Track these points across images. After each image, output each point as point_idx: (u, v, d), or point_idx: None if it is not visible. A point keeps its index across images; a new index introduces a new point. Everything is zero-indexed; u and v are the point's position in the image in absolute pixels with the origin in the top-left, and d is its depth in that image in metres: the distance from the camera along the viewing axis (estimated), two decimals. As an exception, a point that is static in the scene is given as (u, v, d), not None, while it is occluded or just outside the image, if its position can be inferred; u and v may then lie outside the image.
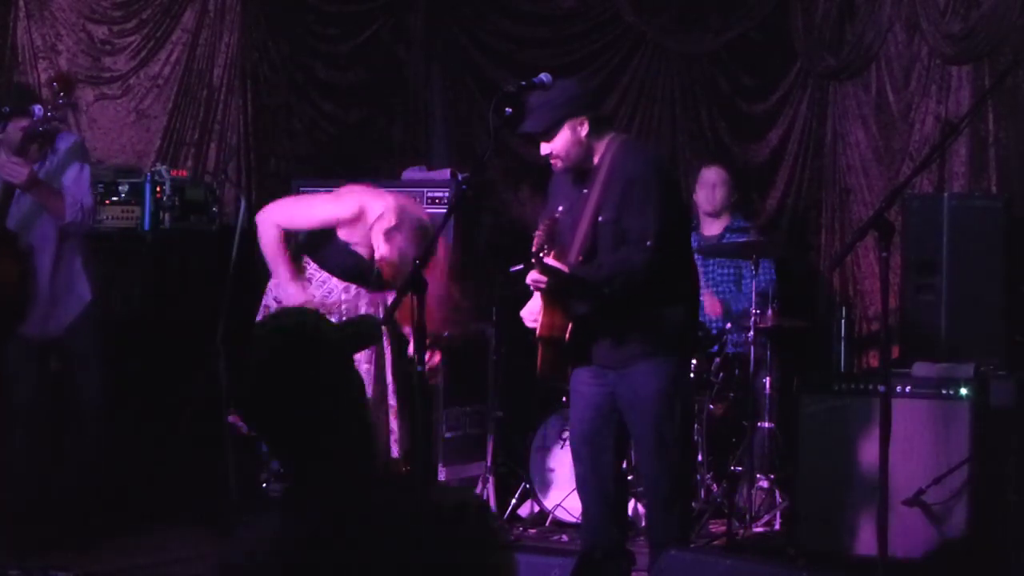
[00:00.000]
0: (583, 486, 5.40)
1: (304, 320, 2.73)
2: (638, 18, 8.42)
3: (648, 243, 5.04)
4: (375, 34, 8.65)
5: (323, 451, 2.65)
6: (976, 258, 6.69)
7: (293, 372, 2.65)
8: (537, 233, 5.02)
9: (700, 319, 6.80)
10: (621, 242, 5.11)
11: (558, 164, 5.23)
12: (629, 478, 6.42)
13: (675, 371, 5.24)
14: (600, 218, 5.13)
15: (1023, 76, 7.38)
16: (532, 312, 5.26)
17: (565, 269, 5.05)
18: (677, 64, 8.40)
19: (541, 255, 4.99)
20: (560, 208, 5.26)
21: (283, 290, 5.95)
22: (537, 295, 5.23)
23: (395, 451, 6.08)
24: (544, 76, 5.18)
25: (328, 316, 5.50)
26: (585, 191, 5.19)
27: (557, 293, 5.11)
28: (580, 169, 5.23)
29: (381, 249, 5.87)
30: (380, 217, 5.89)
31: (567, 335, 5.14)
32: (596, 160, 5.20)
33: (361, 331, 2.83)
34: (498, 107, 5.00)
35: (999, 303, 6.70)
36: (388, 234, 5.84)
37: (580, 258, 5.14)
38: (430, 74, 8.93)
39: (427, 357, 5.83)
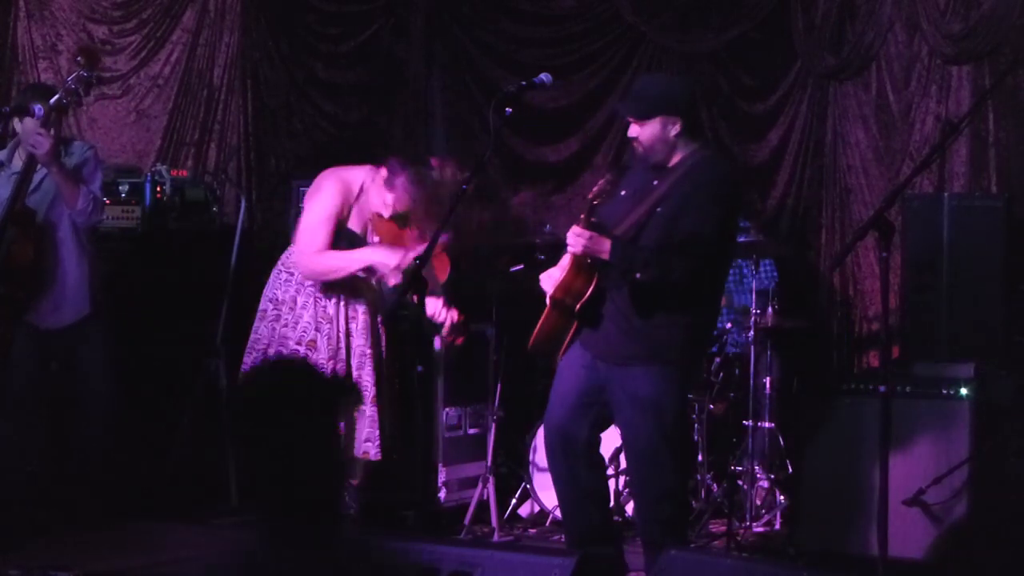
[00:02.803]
0: (557, 474, 5.37)
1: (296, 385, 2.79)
2: (638, 18, 8.42)
3: (698, 250, 5.03)
4: (375, 34, 8.65)
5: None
6: (976, 258, 6.69)
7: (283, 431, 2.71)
8: (600, 182, 5.02)
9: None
10: (668, 238, 5.09)
11: (639, 149, 5.24)
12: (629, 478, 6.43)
13: (669, 381, 5.18)
14: (659, 209, 5.11)
15: (1023, 76, 7.38)
16: (552, 277, 5.25)
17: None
18: (677, 64, 8.40)
19: (595, 203, 4.99)
20: (623, 192, 5.26)
21: (383, 270, 5.84)
22: (563, 263, 5.22)
23: (373, 452, 5.99)
24: (544, 76, 5.19)
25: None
26: (655, 183, 5.19)
27: (589, 259, 5.10)
28: (658, 165, 5.23)
29: (389, 203, 5.84)
30: (367, 183, 5.89)
31: (579, 304, 5.12)
32: (675, 161, 5.20)
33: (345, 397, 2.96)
34: (498, 107, 5.00)
35: (999, 303, 6.70)
36: (388, 183, 5.82)
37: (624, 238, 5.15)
38: (430, 74, 8.93)
39: (444, 315, 5.86)
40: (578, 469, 5.31)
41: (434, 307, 5.90)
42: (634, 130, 5.20)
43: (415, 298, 4.86)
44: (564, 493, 5.40)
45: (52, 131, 6.03)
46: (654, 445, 5.18)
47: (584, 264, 5.12)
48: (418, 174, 5.76)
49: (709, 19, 8.34)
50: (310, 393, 2.75)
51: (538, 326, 5.26)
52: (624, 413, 5.21)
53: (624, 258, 5.06)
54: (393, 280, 5.79)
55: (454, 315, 5.87)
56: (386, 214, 5.87)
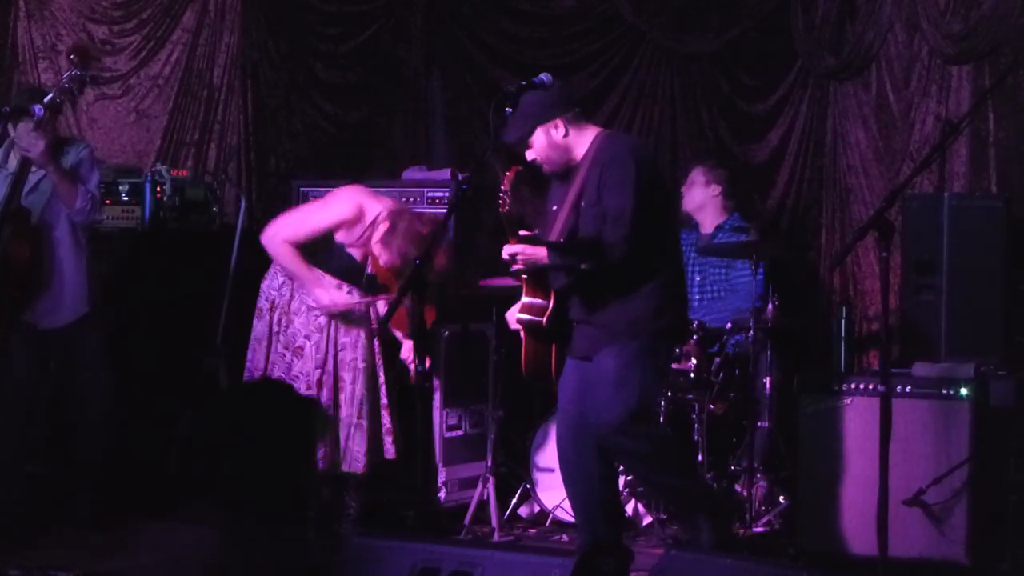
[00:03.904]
0: (569, 483, 5.40)
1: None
2: (638, 18, 8.42)
3: (625, 220, 5.05)
4: (375, 34, 8.65)
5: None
6: (976, 258, 6.68)
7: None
8: (501, 193, 5.11)
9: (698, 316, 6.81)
10: (603, 224, 5.13)
11: (544, 167, 5.28)
12: (630, 478, 6.43)
13: (633, 353, 5.20)
14: (582, 204, 5.16)
15: (1023, 76, 7.38)
16: (515, 312, 5.29)
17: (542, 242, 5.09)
18: (677, 64, 8.40)
19: (508, 215, 5.07)
20: (554, 207, 5.31)
21: (311, 296, 5.94)
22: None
23: (391, 451, 6.07)
24: (544, 76, 5.20)
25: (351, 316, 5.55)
26: (570, 183, 5.22)
27: (535, 272, 5.11)
28: (567, 168, 5.26)
29: (382, 257, 5.90)
30: (376, 223, 5.92)
31: (545, 319, 5.14)
32: (581, 155, 5.23)
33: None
34: (498, 107, 5.03)
35: (999, 303, 6.69)
36: (386, 240, 5.87)
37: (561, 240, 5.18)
38: (430, 74, 8.93)
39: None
40: (592, 480, 5.32)
41: (407, 351, 5.97)
42: (529, 152, 5.25)
43: (415, 298, 4.88)
44: (578, 504, 5.41)
45: (47, 131, 6.03)
46: (619, 418, 5.16)
47: (534, 280, 5.16)
48: (414, 239, 5.79)
49: (709, 19, 8.33)
50: (282, 415, 2.80)
51: (523, 355, 5.30)
52: (594, 391, 5.23)
53: (562, 257, 5.10)
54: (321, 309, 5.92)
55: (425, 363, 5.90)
56: (381, 262, 5.94)
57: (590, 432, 5.29)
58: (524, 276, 5.19)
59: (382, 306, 6.05)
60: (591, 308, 5.20)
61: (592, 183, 5.16)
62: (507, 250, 5.09)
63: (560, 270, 5.15)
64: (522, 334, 5.31)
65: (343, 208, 5.99)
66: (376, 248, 5.94)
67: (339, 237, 6.00)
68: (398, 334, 6.13)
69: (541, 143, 5.22)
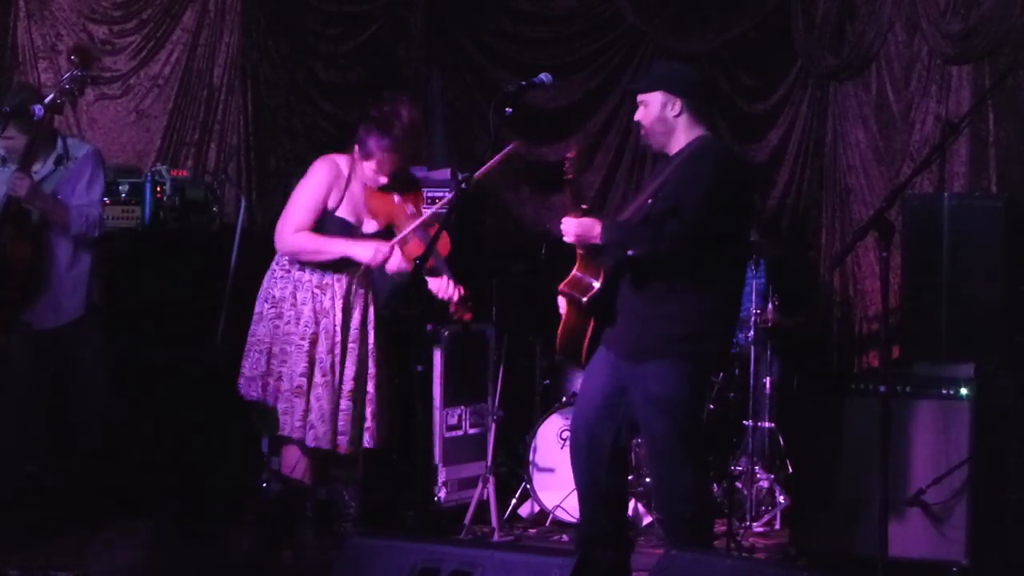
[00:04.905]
0: (577, 472, 5.36)
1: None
2: (638, 18, 8.42)
3: (686, 219, 4.97)
4: (375, 34, 8.66)
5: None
6: (976, 258, 6.69)
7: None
8: (567, 160, 5.14)
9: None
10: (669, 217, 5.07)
11: (641, 133, 5.26)
12: (630, 477, 6.43)
13: (682, 376, 5.10)
14: (660, 193, 5.10)
15: (1023, 76, 7.38)
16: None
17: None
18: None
19: (571, 183, 5.10)
20: (643, 191, 5.28)
21: (356, 258, 5.86)
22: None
23: (367, 441, 5.97)
24: (544, 76, 5.19)
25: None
26: (660, 173, 5.21)
27: (588, 248, 5.10)
28: (662, 150, 5.24)
29: (376, 169, 5.84)
30: (354, 164, 5.91)
31: (586, 298, 5.11)
32: (678, 146, 5.19)
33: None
34: (498, 107, 5.01)
35: (999, 303, 6.69)
36: (363, 154, 5.84)
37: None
38: (430, 74, 8.94)
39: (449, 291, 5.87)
40: (599, 472, 5.26)
41: (438, 285, 5.88)
42: (638, 113, 5.22)
43: (418, 294, 4.86)
44: (582, 495, 5.37)
45: (30, 172, 6.02)
46: (670, 444, 5.14)
47: (588, 257, 5.13)
48: (383, 125, 5.78)
49: (709, 19, 8.34)
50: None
51: (560, 328, 5.26)
52: (641, 413, 5.17)
53: (615, 237, 5.06)
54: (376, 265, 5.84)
55: (460, 291, 5.84)
56: (383, 180, 5.86)
57: (611, 430, 5.26)
58: (579, 251, 5.16)
59: (394, 259, 5.94)
60: (642, 307, 5.12)
61: (675, 177, 5.11)
62: (565, 221, 5.08)
63: (609, 251, 5.11)
64: (563, 309, 5.26)
65: (321, 169, 5.96)
66: (369, 175, 5.88)
67: (330, 204, 5.97)
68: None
69: (654, 109, 5.18)
